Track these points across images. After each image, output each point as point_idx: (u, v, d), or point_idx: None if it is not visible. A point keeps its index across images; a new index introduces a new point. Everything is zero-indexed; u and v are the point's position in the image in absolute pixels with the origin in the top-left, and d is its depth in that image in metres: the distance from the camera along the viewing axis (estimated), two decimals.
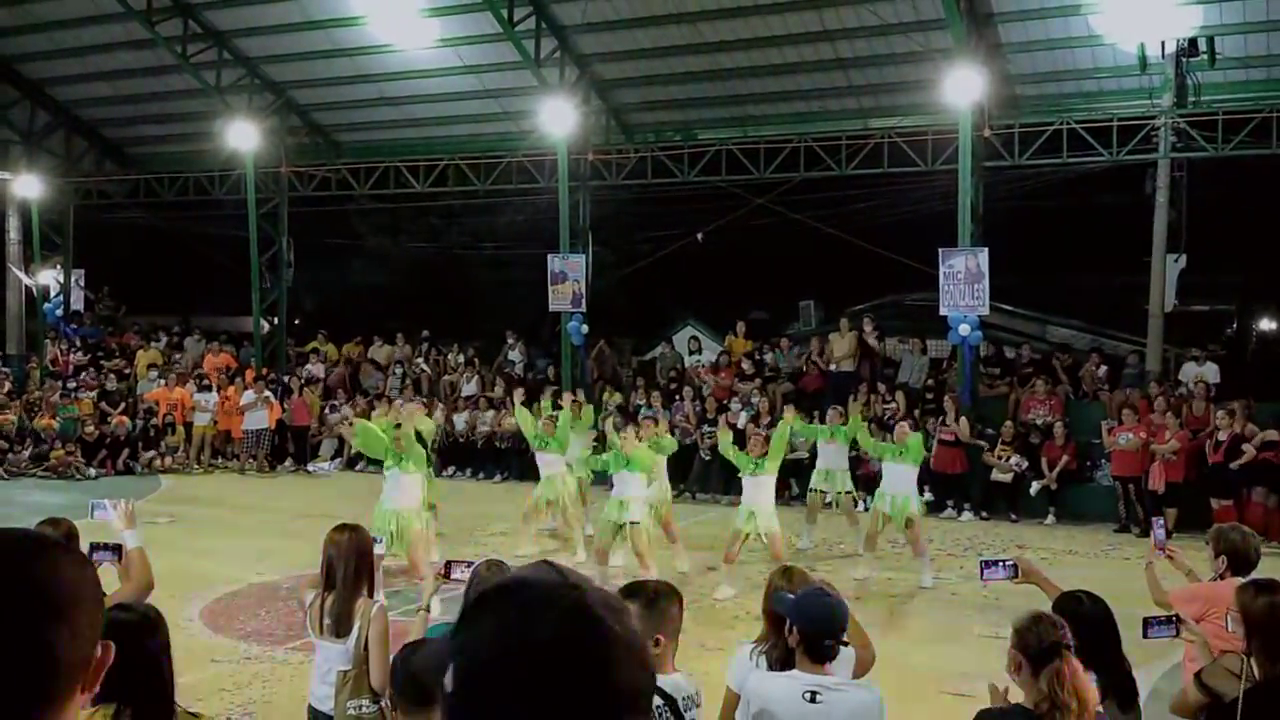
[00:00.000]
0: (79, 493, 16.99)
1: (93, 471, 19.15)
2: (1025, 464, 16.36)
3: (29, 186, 24.04)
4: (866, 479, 16.53)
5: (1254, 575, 5.44)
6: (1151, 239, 17.64)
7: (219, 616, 10.61)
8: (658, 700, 3.68)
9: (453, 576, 5.41)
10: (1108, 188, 20.09)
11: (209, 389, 20.79)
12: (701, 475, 17.90)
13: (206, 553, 12.81)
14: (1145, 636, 4.94)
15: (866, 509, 14.56)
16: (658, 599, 3.87)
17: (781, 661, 4.40)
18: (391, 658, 4.41)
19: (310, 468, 20.47)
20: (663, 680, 3.72)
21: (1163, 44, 16.38)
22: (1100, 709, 3.91)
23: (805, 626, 4.05)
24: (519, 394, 14.91)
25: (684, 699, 3.81)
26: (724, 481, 18.07)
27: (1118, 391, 17.31)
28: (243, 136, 21.43)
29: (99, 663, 1.38)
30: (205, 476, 19.85)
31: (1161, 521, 6.85)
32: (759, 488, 11.39)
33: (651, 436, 12.63)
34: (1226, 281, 22.47)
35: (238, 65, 21.54)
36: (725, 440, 12.19)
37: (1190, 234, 18.15)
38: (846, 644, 4.17)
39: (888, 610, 10.98)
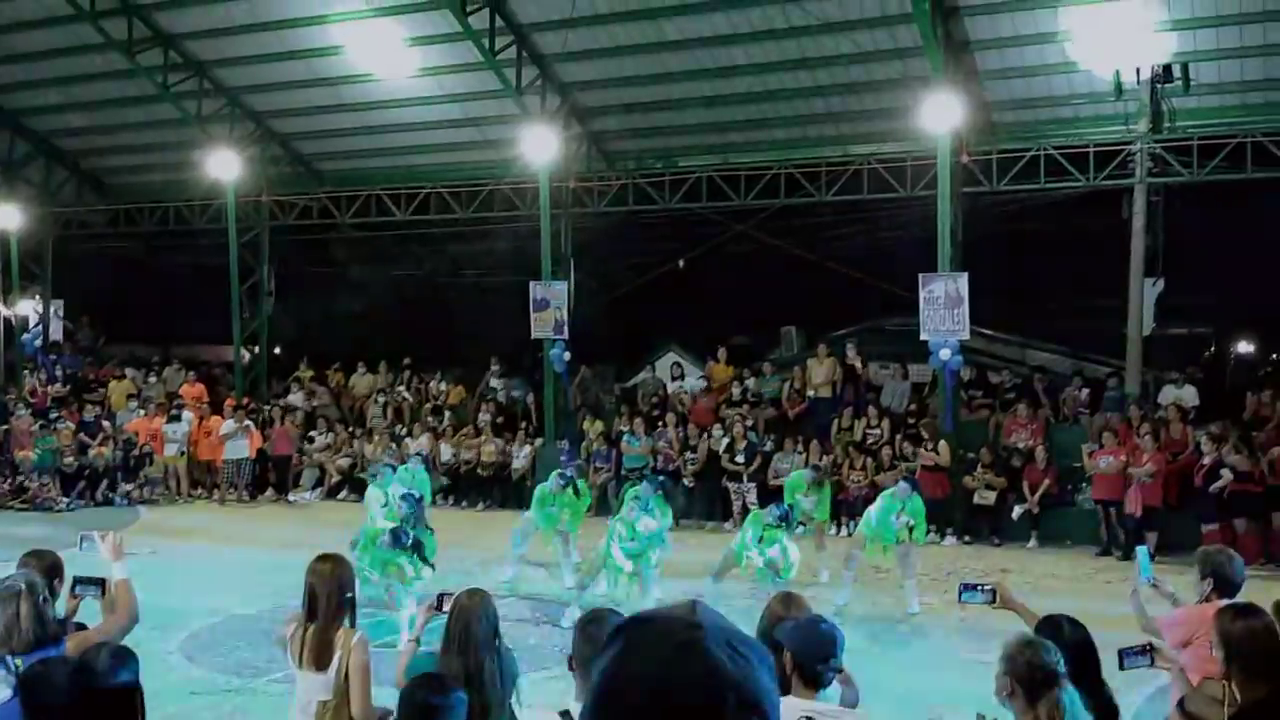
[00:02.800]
0: (57, 525, 16.84)
1: (65, 501, 18.98)
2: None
3: (8, 217, 23.91)
4: (847, 504, 16.60)
5: (1239, 598, 5.47)
6: (1129, 263, 17.77)
7: (199, 648, 10.51)
8: None
9: (444, 608, 5.41)
10: (1085, 213, 20.27)
11: (178, 419, 20.61)
12: (685, 502, 17.87)
13: (187, 584, 12.69)
14: (1121, 668, 4.96)
15: (849, 534, 14.59)
16: (585, 625, 3.82)
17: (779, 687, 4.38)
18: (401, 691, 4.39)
19: (291, 497, 20.35)
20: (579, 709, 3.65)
21: (1138, 70, 16.55)
22: None
23: (800, 653, 4.06)
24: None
25: None
26: (707, 507, 18.08)
27: (1098, 415, 17.40)
28: (224, 166, 21.41)
29: None
30: (185, 507, 19.70)
31: (1146, 549, 6.87)
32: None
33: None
34: (1204, 304, 22.64)
35: (218, 95, 21.53)
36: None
37: (1167, 258, 18.31)
38: (841, 670, 4.17)
39: (869, 636, 10.95)
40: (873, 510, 12.43)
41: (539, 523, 13.12)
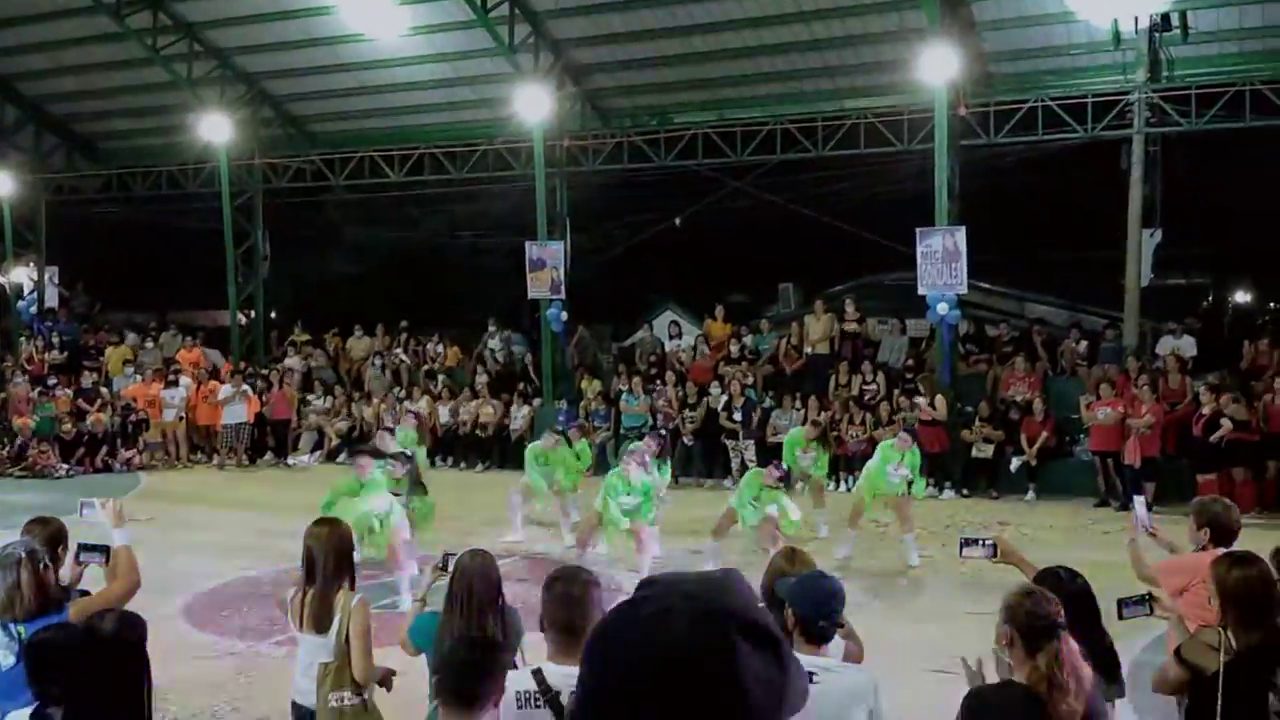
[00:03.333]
0: (57, 491, 16.87)
1: (64, 467, 19.00)
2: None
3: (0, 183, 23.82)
4: (845, 459, 16.65)
5: (1235, 546, 5.49)
6: (1127, 214, 17.71)
7: (201, 612, 10.57)
8: (531, 687, 3.55)
9: (449, 568, 5.43)
10: (1082, 164, 20.17)
11: (175, 385, 20.60)
12: (684, 459, 17.91)
13: (187, 548, 12.75)
14: (1120, 618, 4.99)
15: (848, 489, 14.62)
16: (551, 584, 3.81)
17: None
18: (437, 652, 4.39)
19: (290, 461, 20.38)
20: (550, 668, 3.64)
21: (1135, 19, 16.41)
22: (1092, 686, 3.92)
23: (801, 609, 4.07)
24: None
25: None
26: (706, 464, 18.12)
27: (1096, 366, 17.40)
28: (215, 129, 21.27)
29: None
30: (184, 472, 19.74)
31: (1143, 499, 6.89)
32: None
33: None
34: (1202, 254, 22.62)
35: (209, 57, 21.36)
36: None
37: (1165, 208, 18.23)
38: (843, 626, 4.18)
39: (870, 589, 11.01)
40: (872, 464, 12.46)
41: (532, 482, 13.16)
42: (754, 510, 11.37)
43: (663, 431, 14.92)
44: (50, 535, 5.32)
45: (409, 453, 12.11)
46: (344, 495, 10.83)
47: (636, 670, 1.19)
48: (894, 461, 12.09)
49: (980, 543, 5.41)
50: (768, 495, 11.32)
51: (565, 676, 3.57)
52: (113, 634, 3.65)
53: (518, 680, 3.65)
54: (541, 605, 3.75)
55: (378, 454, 11.62)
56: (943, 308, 16.54)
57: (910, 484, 12.17)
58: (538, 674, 3.58)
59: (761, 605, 1.31)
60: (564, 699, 3.52)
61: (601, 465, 15.86)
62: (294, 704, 5.54)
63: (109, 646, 3.61)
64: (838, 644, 4.44)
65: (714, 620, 1.22)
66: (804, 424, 16.07)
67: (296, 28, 20.21)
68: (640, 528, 11.37)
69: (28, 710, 3.95)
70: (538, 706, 3.52)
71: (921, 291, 16.77)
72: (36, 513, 6.05)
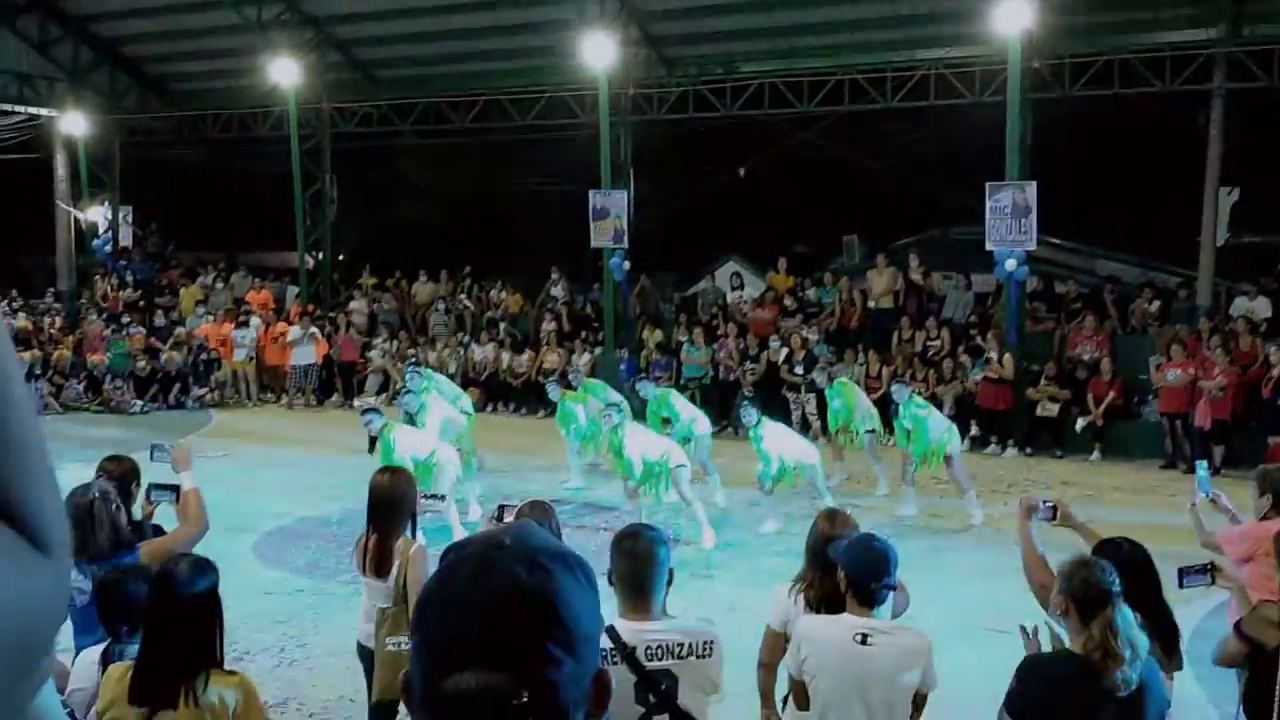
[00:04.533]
0: (131, 427, 17.34)
1: (139, 404, 19.47)
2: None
3: (75, 124, 24.24)
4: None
5: None
6: (1204, 171, 17.28)
7: (271, 550, 10.84)
8: (605, 645, 3.56)
9: (504, 520, 5.52)
10: (1158, 118, 19.66)
11: (246, 325, 20.98)
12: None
13: (257, 487, 13.06)
14: (1180, 586, 4.95)
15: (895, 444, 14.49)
16: (619, 541, 3.85)
17: (820, 602, 4.45)
18: None
19: (356, 403, 20.69)
20: (622, 624, 3.69)
21: None
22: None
23: (853, 571, 4.12)
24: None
25: (651, 647, 3.63)
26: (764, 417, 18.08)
27: (1167, 327, 17.08)
28: (284, 72, 21.42)
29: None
30: (254, 411, 20.14)
31: (1205, 464, 6.80)
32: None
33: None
34: None
35: (278, 0, 21.47)
36: None
37: (1243, 165, 17.76)
38: (895, 588, 4.21)
39: (928, 547, 11.00)
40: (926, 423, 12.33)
41: (567, 433, 13.42)
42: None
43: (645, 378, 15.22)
44: (123, 474, 5.49)
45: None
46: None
47: (474, 621, 1.25)
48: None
49: (1041, 504, 5.39)
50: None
51: (636, 632, 3.65)
52: (186, 578, 3.78)
53: None
54: (610, 561, 3.80)
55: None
56: (1011, 264, 16.29)
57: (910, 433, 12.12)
58: (611, 631, 3.63)
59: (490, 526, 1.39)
60: (639, 655, 3.59)
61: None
62: (359, 644, 5.70)
63: (181, 590, 3.75)
64: (889, 602, 4.47)
65: (529, 558, 1.28)
66: (865, 379, 16.04)
67: None
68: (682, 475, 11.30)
69: (100, 646, 4.11)
70: (614, 663, 3.57)
71: (990, 247, 16.52)
72: (113, 447, 6.25)
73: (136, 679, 3.66)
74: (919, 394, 13.33)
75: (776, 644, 4.59)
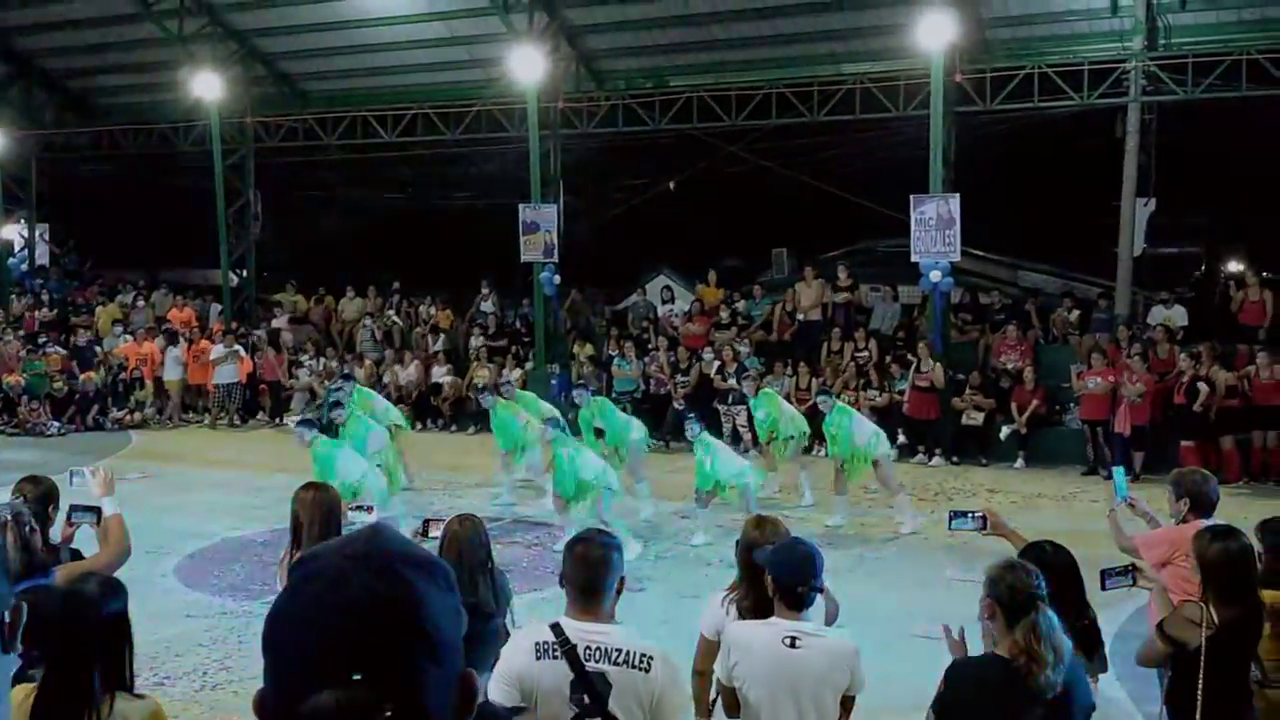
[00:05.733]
0: (47, 449, 16.90)
1: (56, 426, 18.99)
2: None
3: None
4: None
5: (1215, 517, 5.53)
6: (1121, 182, 17.69)
7: (193, 572, 10.62)
8: (549, 638, 3.68)
9: (430, 534, 5.48)
10: (1077, 131, 20.11)
11: (175, 343, 20.59)
12: (675, 425, 17.95)
13: (179, 508, 12.79)
14: (1103, 588, 5.04)
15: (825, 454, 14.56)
16: (573, 545, 3.91)
17: (752, 611, 4.45)
18: None
19: (286, 420, 20.36)
20: (568, 622, 3.74)
21: None
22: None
23: (780, 575, 4.13)
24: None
25: (591, 648, 3.67)
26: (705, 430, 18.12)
27: (1087, 336, 17.43)
28: (206, 86, 21.08)
29: (10, 625, 1.46)
30: (176, 432, 19.74)
31: (1121, 469, 6.94)
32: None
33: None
34: (1195, 224, 22.58)
35: (200, 14, 21.14)
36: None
37: (1159, 177, 18.22)
38: (822, 590, 4.23)
39: (857, 556, 11.08)
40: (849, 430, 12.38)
41: (502, 444, 13.29)
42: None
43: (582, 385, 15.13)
44: (41, 495, 5.31)
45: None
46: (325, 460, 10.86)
47: (331, 637, 1.20)
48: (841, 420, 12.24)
49: (970, 515, 5.46)
50: (697, 443, 11.42)
51: (582, 631, 3.71)
52: (95, 598, 3.67)
53: (536, 633, 3.75)
54: (562, 564, 3.87)
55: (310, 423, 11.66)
56: (935, 275, 16.53)
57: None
58: (555, 627, 3.71)
59: (416, 541, 1.36)
60: (580, 651, 3.66)
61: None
62: None
63: (89, 611, 3.64)
64: (818, 605, 4.51)
65: (385, 567, 1.24)
66: (795, 390, 16.14)
67: None
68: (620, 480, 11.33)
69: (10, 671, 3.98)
70: (555, 657, 3.65)
71: (915, 259, 16.76)
72: (28, 470, 6.08)
73: (39, 700, 3.55)
74: (843, 401, 13.39)
75: (711, 651, 4.60)
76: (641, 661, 3.67)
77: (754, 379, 14.60)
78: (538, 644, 3.70)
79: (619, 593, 3.83)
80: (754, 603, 4.47)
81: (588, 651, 3.65)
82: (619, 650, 3.67)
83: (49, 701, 3.54)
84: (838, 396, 13.31)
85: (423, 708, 1.22)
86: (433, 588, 1.26)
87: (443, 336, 21.08)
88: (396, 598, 1.23)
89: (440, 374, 19.89)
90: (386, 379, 19.82)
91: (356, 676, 1.19)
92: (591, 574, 3.77)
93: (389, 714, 1.19)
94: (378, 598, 1.22)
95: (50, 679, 3.60)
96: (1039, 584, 3.81)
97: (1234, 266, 26.26)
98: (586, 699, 3.62)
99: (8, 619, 1.44)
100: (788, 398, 15.46)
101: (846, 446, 12.13)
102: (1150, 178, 17.95)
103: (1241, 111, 17.88)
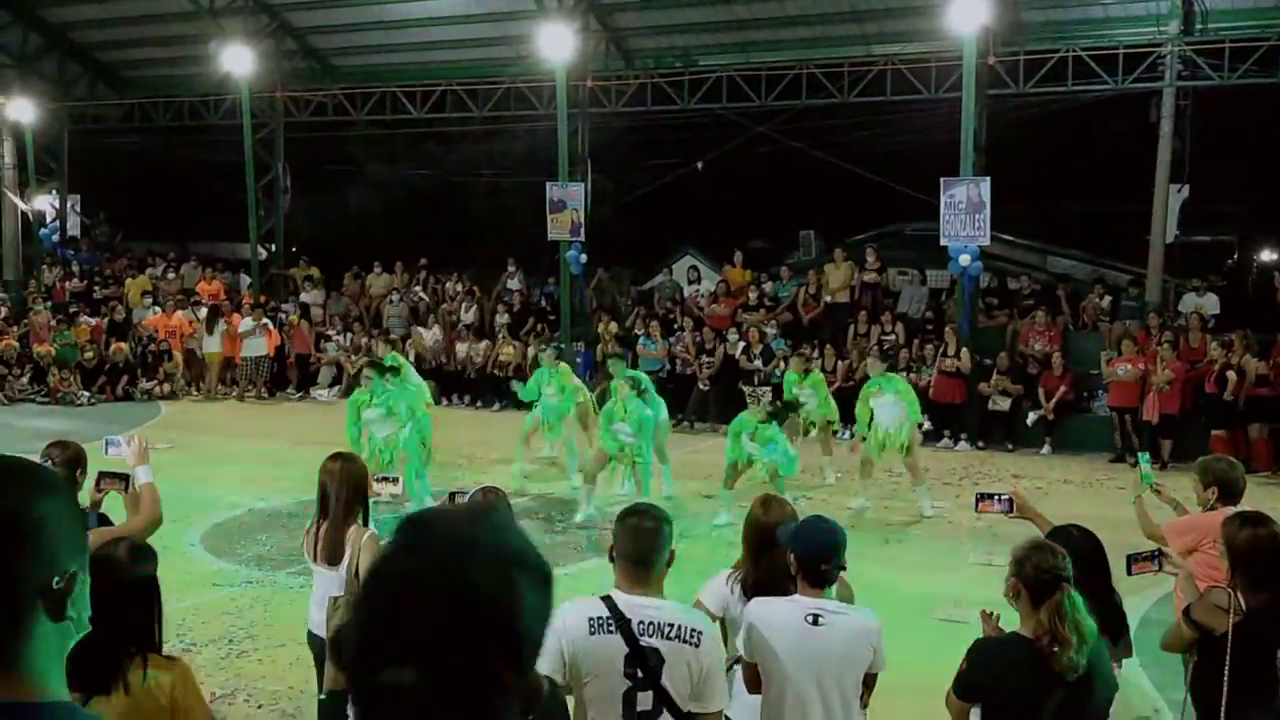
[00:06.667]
0: (77, 418, 17.07)
1: (86, 395, 19.16)
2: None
3: (23, 110, 23.80)
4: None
5: (1242, 505, 5.50)
6: (1154, 168, 17.51)
7: (220, 541, 10.71)
8: (603, 613, 3.70)
9: None
10: (1111, 116, 19.91)
11: (217, 315, 20.70)
12: (700, 405, 17.96)
13: (207, 479, 12.89)
14: (1129, 573, 5.02)
15: (850, 438, 14.52)
16: (624, 518, 3.93)
17: (753, 587, 4.46)
18: None
19: (312, 394, 20.49)
20: (620, 595, 3.76)
21: None
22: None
23: (803, 553, 4.13)
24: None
25: (644, 623, 3.70)
26: (722, 410, 18.13)
27: (1117, 323, 17.30)
28: (237, 60, 21.14)
29: (62, 591, 1.46)
30: (205, 403, 19.88)
31: (1147, 457, 6.90)
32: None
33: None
34: (1228, 212, 22.37)
35: None
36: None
37: (1193, 163, 18.02)
38: (844, 568, 4.23)
39: (881, 539, 11.07)
40: (875, 410, 12.27)
41: (541, 414, 13.17)
42: (747, 444, 11.22)
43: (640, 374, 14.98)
44: (69, 459, 5.35)
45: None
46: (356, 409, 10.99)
47: (424, 617, 1.20)
48: (875, 390, 12.08)
49: (996, 498, 5.45)
50: (762, 433, 11.15)
51: (633, 604, 3.73)
52: (124, 563, 3.70)
53: (589, 607, 3.76)
54: (613, 536, 3.90)
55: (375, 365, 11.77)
56: (965, 259, 16.42)
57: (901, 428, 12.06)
58: (608, 600, 3.73)
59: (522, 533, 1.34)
60: (634, 626, 3.69)
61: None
62: (310, 634, 5.63)
63: (117, 574, 3.67)
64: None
65: (496, 561, 1.23)
66: (820, 371, 16.05)
67: None
68: (638, 469, 11.34)
69: None
70: (610, 632, 3.68)
71: (944, 242, 16.65)
72: (60, 437, 6.13)
73: (70, 663, 3.59)
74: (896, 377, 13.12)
75: None
76: (692, 636, 3.71)
77: (805, 358, 14.48)
78: (591, 619, 3.72)
79: (669, 565, 3.87)
80: (755, 581, 4.48)
81: (640, 626, 3.69)
82: (671, 625, 3.71)
83: (77, 664, 3.58)
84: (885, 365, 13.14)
85: (493, 709, 1.22)
86: (533, 592, 1.26)
87: (474, 309, 21.08)
88: (498, 601, 1.22)
89: (464, 350, 19.91)
90: (410, 345, 19.85)
91: (438, 663, 1.19)
92: (644, 545, 3.81)
93: (460, 709, 1.19)
94: (479, 594, 1.21)
95: (81, 642, 3.63)
96: (1065, 565, 3.80)
97: (1267, 255, 26.02)
98: (640, 673, 3.66)
99: (59, 586, 1.44)
100: None
101: (915, 406, 12.19)
102: (1184, 164, 17.75)
103: (1277, 98, 17.64)
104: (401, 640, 1.20)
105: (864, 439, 12.40)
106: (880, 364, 12.58)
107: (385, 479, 6.80)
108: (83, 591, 1.52)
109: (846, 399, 14.19)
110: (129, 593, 3.65)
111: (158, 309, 21.50)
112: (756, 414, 11.14)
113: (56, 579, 1.45)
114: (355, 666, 1.24)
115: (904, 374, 16.67)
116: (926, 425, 15.30)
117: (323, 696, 5.48)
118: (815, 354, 17.38)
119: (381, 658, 1.20)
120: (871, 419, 12.20)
